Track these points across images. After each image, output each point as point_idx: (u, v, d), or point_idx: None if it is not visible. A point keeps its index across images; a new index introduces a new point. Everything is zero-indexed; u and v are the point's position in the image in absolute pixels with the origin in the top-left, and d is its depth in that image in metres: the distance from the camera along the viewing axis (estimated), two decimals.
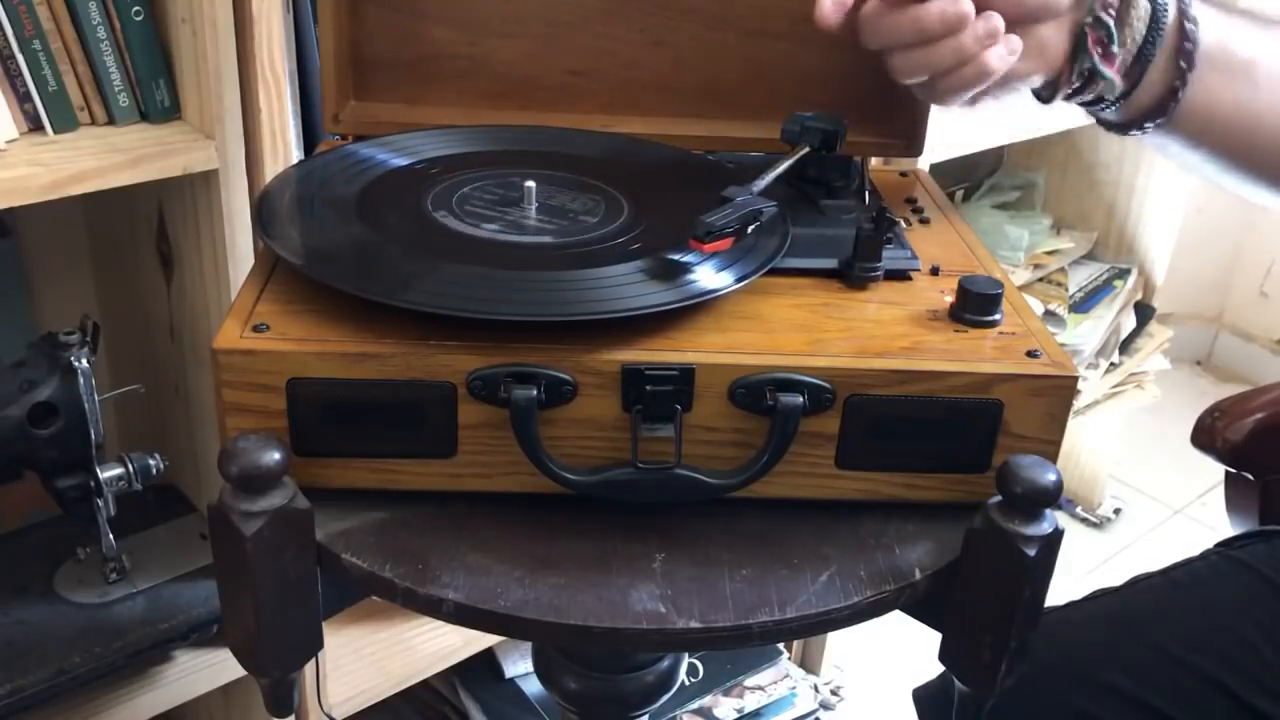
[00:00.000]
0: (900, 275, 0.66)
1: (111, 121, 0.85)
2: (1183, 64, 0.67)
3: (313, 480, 0.57)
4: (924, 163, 1.09)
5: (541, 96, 0.83)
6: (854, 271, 0.65)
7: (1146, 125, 0.69)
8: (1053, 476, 0.54)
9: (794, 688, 1.42)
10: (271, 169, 0.86)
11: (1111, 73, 0.67)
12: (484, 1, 0.80)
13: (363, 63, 0.81)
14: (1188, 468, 1.75)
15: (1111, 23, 0.65)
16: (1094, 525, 1.88)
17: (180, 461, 1.04)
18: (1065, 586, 0.77)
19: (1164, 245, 1.75)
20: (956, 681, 0.60)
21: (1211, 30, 0.67)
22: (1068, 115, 1.30)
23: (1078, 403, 1.75)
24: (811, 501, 0.60)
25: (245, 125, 0.84)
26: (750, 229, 0.62)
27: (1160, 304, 1.84)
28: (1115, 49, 0.66)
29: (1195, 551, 0.87)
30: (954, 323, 0.62)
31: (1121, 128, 0.71)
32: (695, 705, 1.36)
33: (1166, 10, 0.66)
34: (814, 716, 1.43)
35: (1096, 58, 0.66)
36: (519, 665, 1.31)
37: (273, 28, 0.82)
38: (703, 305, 0.60)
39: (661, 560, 0.57)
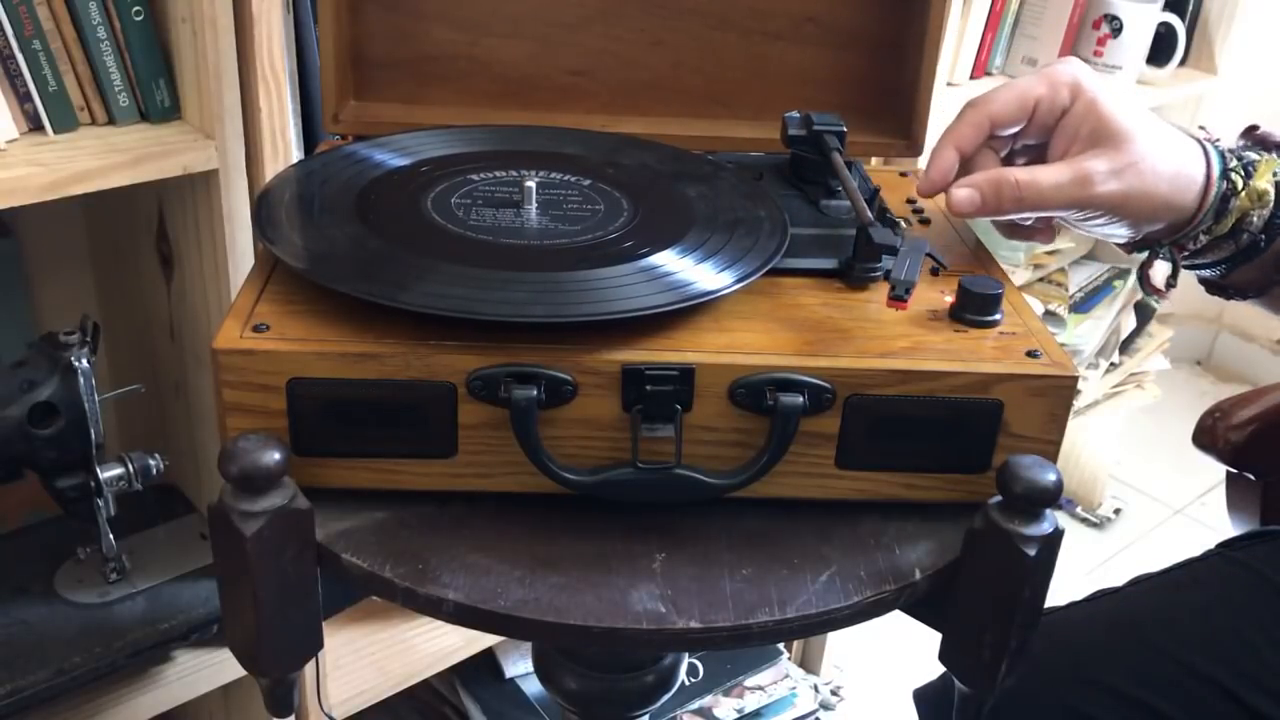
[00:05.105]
0: None
1: (111, 121, 0.85)
2: None
3: (313, 480, 0.57)
4: (924, 163, 1.09)
5: (541, 96, 0.83)
6: (854, 271, 0.65)
7: (1234, 296, 0.70)
8: (1053, 476, 0.54)
9: (794, 688, 1.42)
10: (271, 169, 0.86)
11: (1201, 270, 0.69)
12: (484, 1, 0.80)
13: (363, 63, 0.81)
14: (1188, 468, 1.75)
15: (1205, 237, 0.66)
16: (1094, 525, 1.88)
17: (180, 461, 1.04)
18: (1065, 586, 0.77)
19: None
20: (956, 681, 0.60)
21: None
22: None
23: (1078, 403, 1.75)
24: (811, 501, 0.60)
25: (245, 125, 0.84)
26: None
27: (1160, 304, 1.83)
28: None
29: (1195, 551, 0.87)
30: (954, 323, 0.62)
31: (1213, 287, 0.71)
32: (695, 705, 1.36)
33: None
34: (814, 716, 1.43)
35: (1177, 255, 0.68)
36: (519, 665, 1.31)
37: (273, 28, 0.82)
38: (703, 305, 0.60)
39: (661, 560, 0.57)
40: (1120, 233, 0.66)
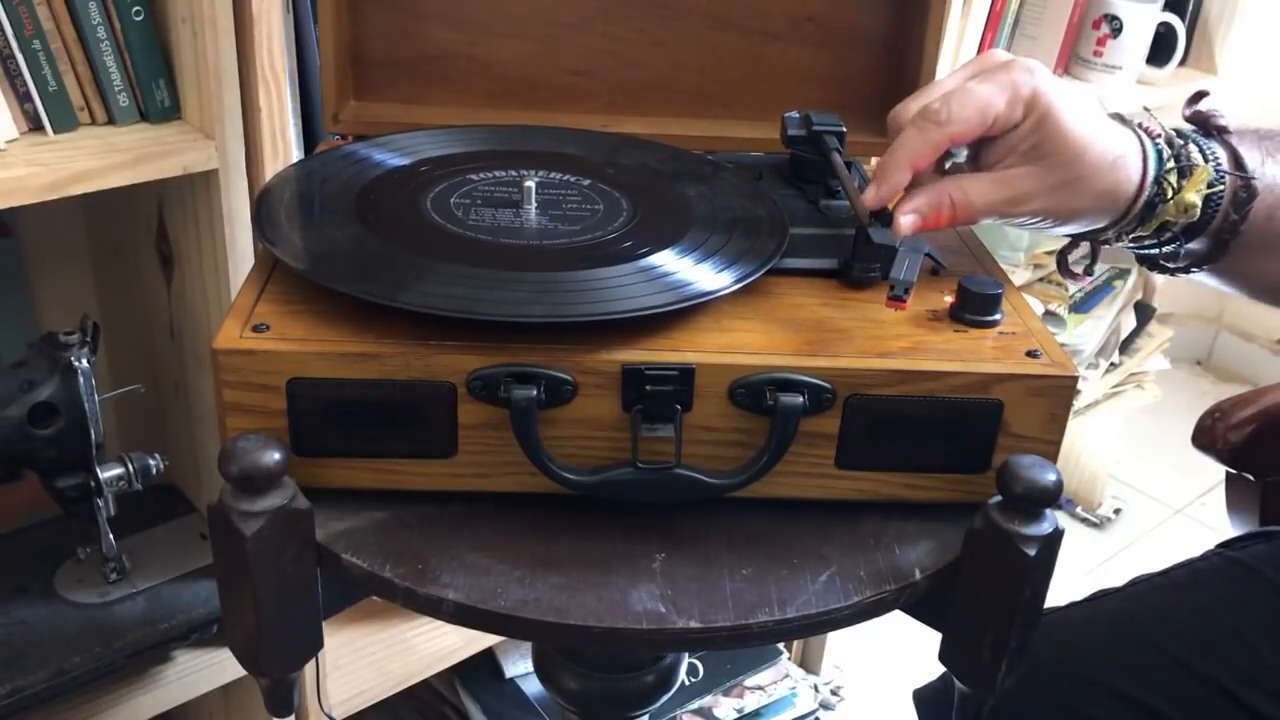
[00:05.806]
0: None
1: (111, 121, 0.85)
2: (1216, 248, 0.66)
3: (313, 480, 0.57)
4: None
5: (541, 96, 0.83)
6: (854, 271, 0.65)
7: (1164, 272, 0.70)
8: (1053, 476, 0.54)
9: (794, 688, 1.42)
10: (271, 169, 0.86)
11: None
12: (484, 1, 0.80)
13: (363, 63, 0.81)
14: (1188, 468, 1.75)
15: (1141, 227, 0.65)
16: (1094, 525, 1.88)
17: (180, 461, 1.04)
18: (1065, 586, 0.77)
19: None
20: (956, 682, 0.60)
21: (1264, 208, 0.65)
22: None
23: (1078, 403, 1.75)
24: (811, 501, 0.60)
25: (245, 125, 0.84)
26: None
27: (1160, 304, 1.83)
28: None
29: (1195, 552, 0.87)
30: (954, 323, 0.62)
31: (1143, 260, 0.71)
32: (695, 705, 1.36)
33: (1217, 206, 0.65)
34: (814, 716, 1.43)
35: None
36: (519, 665, 1.31)
37: (273, 28, 0.82)
38: (702, 305, 0.60)
39: (661, 560, 0.57)
40: (1043, 229, 0.66)
